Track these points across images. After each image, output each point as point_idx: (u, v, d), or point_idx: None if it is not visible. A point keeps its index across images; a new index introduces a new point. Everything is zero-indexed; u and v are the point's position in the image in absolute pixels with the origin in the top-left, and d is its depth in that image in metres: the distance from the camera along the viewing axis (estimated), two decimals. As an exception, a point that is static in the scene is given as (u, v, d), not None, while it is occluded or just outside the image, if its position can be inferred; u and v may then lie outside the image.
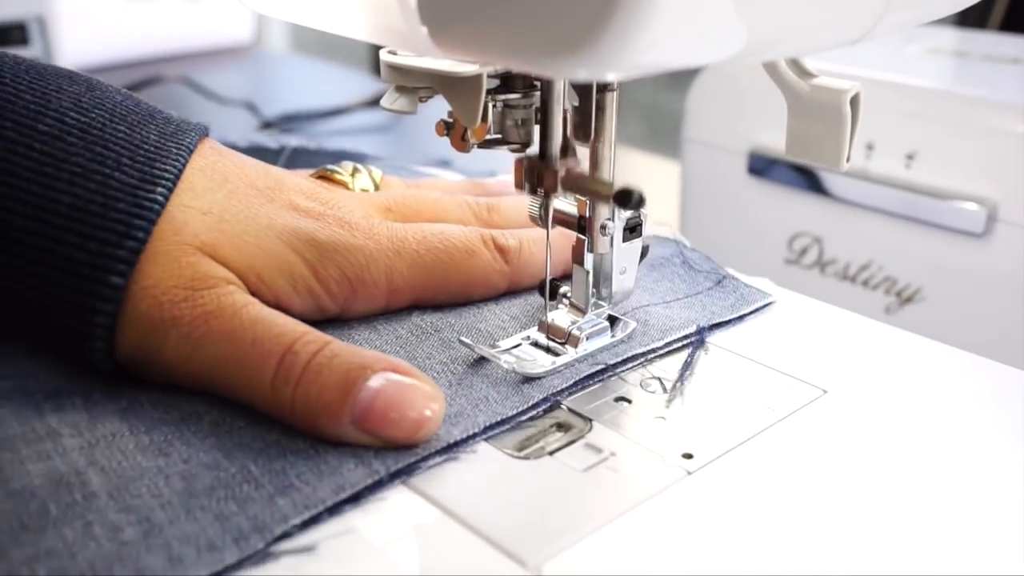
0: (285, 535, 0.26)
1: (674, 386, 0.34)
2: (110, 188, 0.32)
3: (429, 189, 0.44)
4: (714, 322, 0.38)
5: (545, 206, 0.35)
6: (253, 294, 0.33)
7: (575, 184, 0.31)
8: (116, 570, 0.24)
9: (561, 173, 0.31)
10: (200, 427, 0.30)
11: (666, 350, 0.36)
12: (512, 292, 0.39)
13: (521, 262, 0.39)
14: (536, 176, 0.32)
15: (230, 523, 0.26)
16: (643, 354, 0.35)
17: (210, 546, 0.25)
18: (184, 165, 0.34)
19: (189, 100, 0.98)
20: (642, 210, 0.35)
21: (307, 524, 0.27)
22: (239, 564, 0.25)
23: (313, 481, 0.28)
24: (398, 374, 0.30)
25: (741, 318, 0.39)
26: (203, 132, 0.37)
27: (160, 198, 0.32)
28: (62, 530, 0.26)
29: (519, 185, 0.32)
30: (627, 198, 0.28)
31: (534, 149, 0.33)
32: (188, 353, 0.31)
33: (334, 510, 0.27)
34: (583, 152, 0.34)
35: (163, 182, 0.33)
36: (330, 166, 0.41)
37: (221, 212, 0.34)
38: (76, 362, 0.32)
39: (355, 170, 0.42)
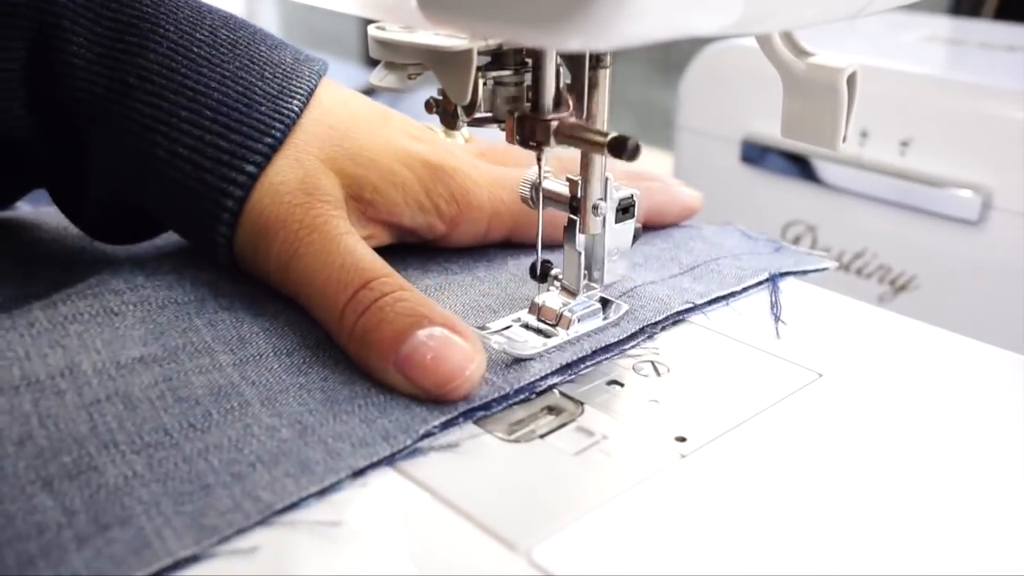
0: (428, 434, 0.29)
1: (777, 318, 0.37)
2: (255, 94, 0.36)
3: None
4: (782, 271, 0.40)
5: (536, 186, 0.34)
6: (368, 205, 0.37)
7: (569, 135, 0.31)
8: (281, 462, 0.27)
9: (554, 124, 0.31)
10: (335, 352, 0.33)
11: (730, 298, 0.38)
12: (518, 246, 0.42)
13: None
14: (528, 129, 0.31)
15: (375, 424, 0.29)
16: (725, 297, 0.38)
17: (362, 442, 0.28)
18: (315, 86, 0.37)
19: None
20: (634, 191, 0.35)
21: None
22: (391, 457, 0.28)
23: None
24: (450, 331, 0.31)
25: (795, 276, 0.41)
26: (326, 66, 0.39)
27: (297, 108, 0.36)
28: (226, 430, 0.29)
29: (511, 139, 0.32)
30: (622, 146, 0.28)
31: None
32: (287, 258, 0.34)
33: (468, 415, 0.30)
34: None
35: (299, 96, 0.37)
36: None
37: (345, 129, 0.37)
38: (202, 253, 0.36)
39: (445, 130, 0.43)
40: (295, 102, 0.36)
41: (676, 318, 0.37)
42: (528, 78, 0.32)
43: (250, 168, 0.35)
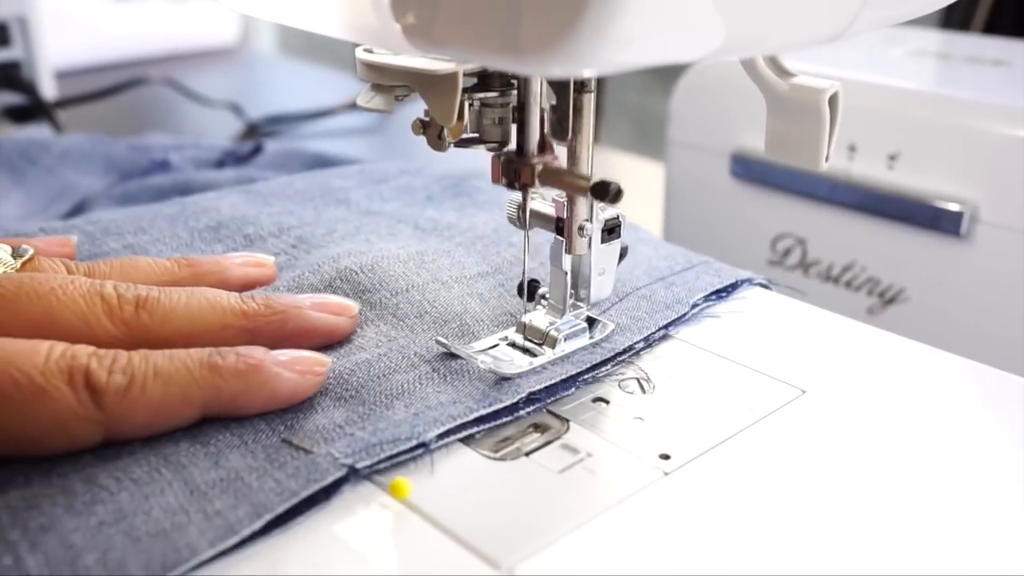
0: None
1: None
2: None
3: (89, 271, 0.36)
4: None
5: (522, 207, 0.35)
6: None
7: (553, 178, 0.31)
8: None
9: (539, 167, 0.31)
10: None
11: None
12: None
13: (124, 407, 0.29)
14: (514, 171, 0.31)
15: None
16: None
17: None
18: None
19: (174, 102, 0.98)
20: (620, 212, 0.35)
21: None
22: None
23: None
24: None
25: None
26: None
27: None
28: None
29: (496, 180, 0.32)
30: (604, 190, 0.28)
31: (512, 146, 0.33)
32: None
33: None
34: (560, 151, 0.33)
35: None
36: None
37: None
38: None
39: None
40: None
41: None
42: (514, 99, 0.33)
43: None
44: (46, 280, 0.31)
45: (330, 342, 0.35)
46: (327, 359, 0.33)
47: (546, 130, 0.32)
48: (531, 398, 0.32)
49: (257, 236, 0.44)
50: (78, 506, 0.26)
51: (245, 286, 0.38)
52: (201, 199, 0.48)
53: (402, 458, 0.29)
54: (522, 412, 0.32)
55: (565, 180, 0.31)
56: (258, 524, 0.26)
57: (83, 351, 0.29)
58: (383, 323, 0.36)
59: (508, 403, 0.31)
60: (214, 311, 0.33)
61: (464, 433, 0.30)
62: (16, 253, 0.35)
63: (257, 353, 0.31)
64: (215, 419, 0.30)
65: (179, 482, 0.27)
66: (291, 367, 0.31)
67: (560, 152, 0.33)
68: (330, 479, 0.27)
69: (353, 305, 0.36)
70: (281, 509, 0.26)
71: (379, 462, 0.28)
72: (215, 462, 0.28)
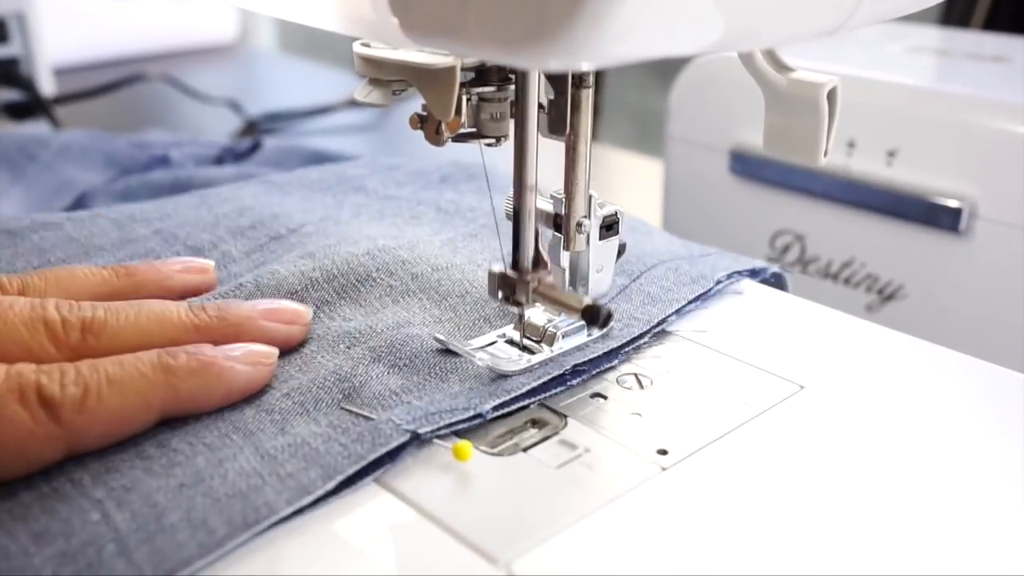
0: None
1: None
2: None
3: (22, 285, 0.34)
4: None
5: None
6: None
7: (546, 296, 0.32)
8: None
9: (533, 285, 0.32)
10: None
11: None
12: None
13: (83, 420, 0.28)
14: (509, 287, 0.32)
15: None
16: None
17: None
18: None
19: (172, 99, 0.97)
20: (618, 208, 0.35)
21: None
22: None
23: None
24: None
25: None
26: None
27: None
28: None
29: (493, 294, 0.33)
30: (595, 314, 0.29)
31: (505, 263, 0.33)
32: None
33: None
34: (558, 146, 0.33)
35: None
36: None
37: None
38: None
39: None
40: None
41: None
42: (511, 93, 0.32)
43: None
44: None
45: (283, 350, 0.34)
46: (275, 350, 0.33)
47: (539, 246, 0.33)
48: (576, 369, 0.33)
49: (284, 214, 0.45)
50: (156, 468, 0.28)
51: (187, 294, 0.37)
52: (222, 191, 0.49)
53: (460, 427, 0.30)
54: (573, 383, 0.33)
55: (558, 300, 0.32)
56: (330, 484, 0.27)
57: (27, 368, 0.28)
58: (427, 299, 0.37)
59: (556, 374, 0.33)
60: (164, 327, 0.32)
61: (517, 406, 0.31)
62: None
63: (207, 350, 0.31)
64: (273, 389, 0.31)
65: (250, 448, 0.29)
66: (241, 360, 0.31)
67: (557, 148, 0.33)
68: (395, 443, 0.28)
69: (306, 311, 0.35)
70: (351, 471, 0.27)
71: (438, 429, 0.29)
72: (281, 429, 0.30)
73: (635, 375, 0.34)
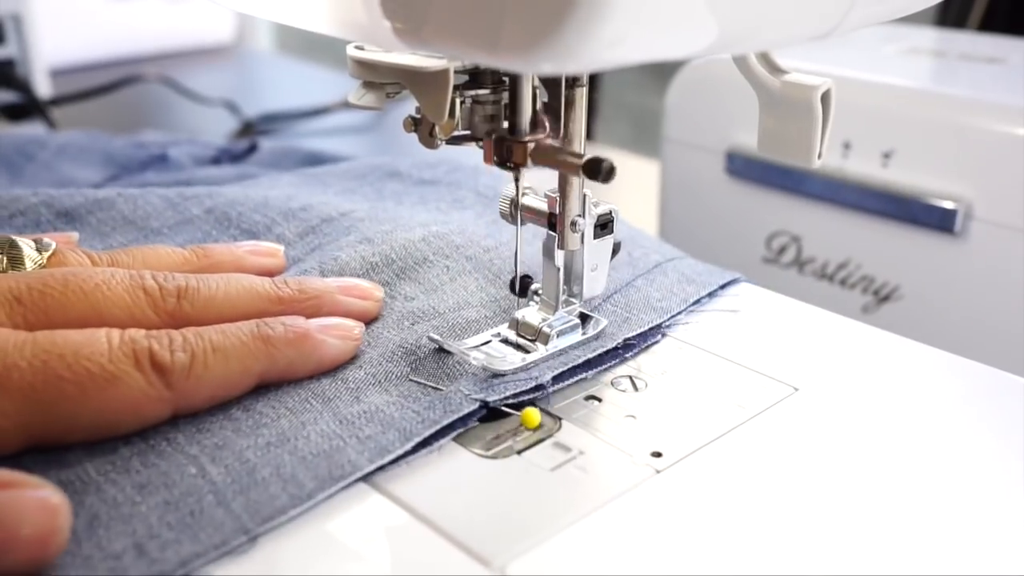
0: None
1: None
2: None
3: (112, 261, 0.36)
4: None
5: (515, 202, 0.34)
6: None
7: (545, 156, 0.31)
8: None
9: (531, 146, 0.31)
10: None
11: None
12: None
13: (190, 384, 0.29)
14: (506, 150, 0.32)
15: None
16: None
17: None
18: None
19: (169, 100, 0.97)
20: (612, 207, 0.35)
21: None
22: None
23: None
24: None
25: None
26: None
27: None
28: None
29: (488, 161, 0.32)
30: (596, 168, 0.28)
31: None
32: None
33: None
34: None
35: None
36: None
37: None
38: None
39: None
40: None
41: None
42: (505, 96, 0.32)
43: None
44: (89, 276, 0.31)
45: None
46: (361, 324, 0.35)
47: (538, 107, 0.32)
48: (627, 343, 0.35)
49: (330, 200, 0.45)
50: (244, 429, 0.29)
51: (259, 275, 0.37)
52: (260, 180, 0.50)
53: (523, 397, 0.32)
54: (626, 356, 0.35)
55: (558, 158, 0.31)
56: (408, 445, 0.29)
57: (139, 334, 0.30)
58: (482, 277, 0.39)
59: (611, 347, 0.35)
60: (251, 297, 0.34)
61: (576, 378, 0.33)
62: (40, 247, 0.35)
63: (301, 322, 0.32)
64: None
65: (328, 413, 0.30)
66: (332, 333, 0.33)
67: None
68: (466, 410, 0.30)
69: (377, 290, 0.37)
70: (427, 433, 0.29)
71: (505, 398, 0.31)
72: (356, 397, 0.31)
73: (630, 377, 0.34)
